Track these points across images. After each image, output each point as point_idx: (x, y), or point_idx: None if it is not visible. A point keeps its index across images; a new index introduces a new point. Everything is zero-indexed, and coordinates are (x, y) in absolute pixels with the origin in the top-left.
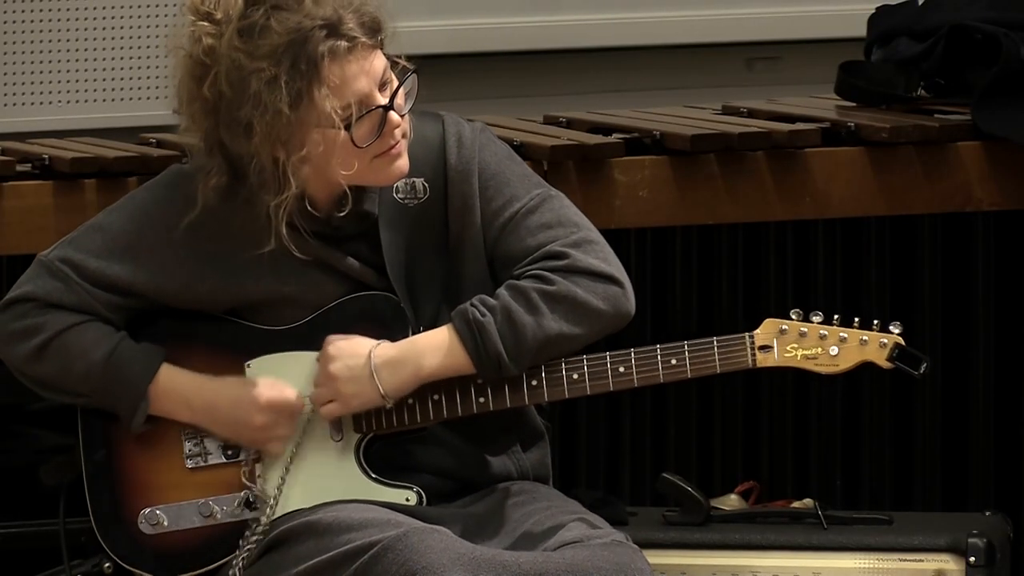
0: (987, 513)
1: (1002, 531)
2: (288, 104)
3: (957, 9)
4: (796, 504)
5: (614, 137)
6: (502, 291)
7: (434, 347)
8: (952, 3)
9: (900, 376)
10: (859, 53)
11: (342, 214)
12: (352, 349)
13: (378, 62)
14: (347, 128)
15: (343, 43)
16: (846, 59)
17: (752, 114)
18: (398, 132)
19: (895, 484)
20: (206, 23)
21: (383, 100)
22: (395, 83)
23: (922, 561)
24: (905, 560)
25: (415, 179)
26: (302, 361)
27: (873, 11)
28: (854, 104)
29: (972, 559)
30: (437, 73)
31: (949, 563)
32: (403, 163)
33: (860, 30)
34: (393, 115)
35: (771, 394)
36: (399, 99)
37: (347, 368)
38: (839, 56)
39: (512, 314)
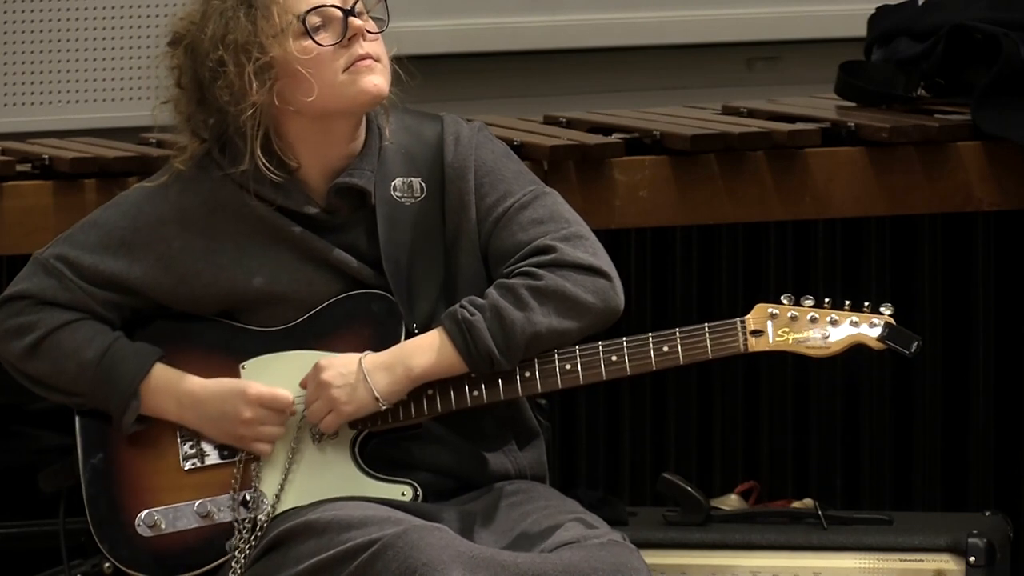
0: (987, 513)
1: (1002, 531)
2: (244, 10)
3: (957, 9)
4: (796, 504)
5: (614, 137)
6: (491, 290)
7: (424, 348)
8: (952, 3)
9: (900, 376)
10: (859, 53)
11: (338, 180)
12: (342, 359)
13: None
14: (307, 35)
15: None
16: (846, 59)
17: (752, 114)
18: (367, 45)
19: (895, 484)
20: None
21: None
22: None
23: (922, 561)
24: (905, 560)
25: (412, 179)
26: (297, 360)
27: (873, 11)
28: (854, 104)
29: (972, 559)
30: (438, 73)
31: (949, 563)
32: (377, 80)
33: (860, 30)
34: (355, 20)
35: (771, 394)
36: (362, 14)
37: (340, 375)
38: (839, 56)
39: (501, 311)
